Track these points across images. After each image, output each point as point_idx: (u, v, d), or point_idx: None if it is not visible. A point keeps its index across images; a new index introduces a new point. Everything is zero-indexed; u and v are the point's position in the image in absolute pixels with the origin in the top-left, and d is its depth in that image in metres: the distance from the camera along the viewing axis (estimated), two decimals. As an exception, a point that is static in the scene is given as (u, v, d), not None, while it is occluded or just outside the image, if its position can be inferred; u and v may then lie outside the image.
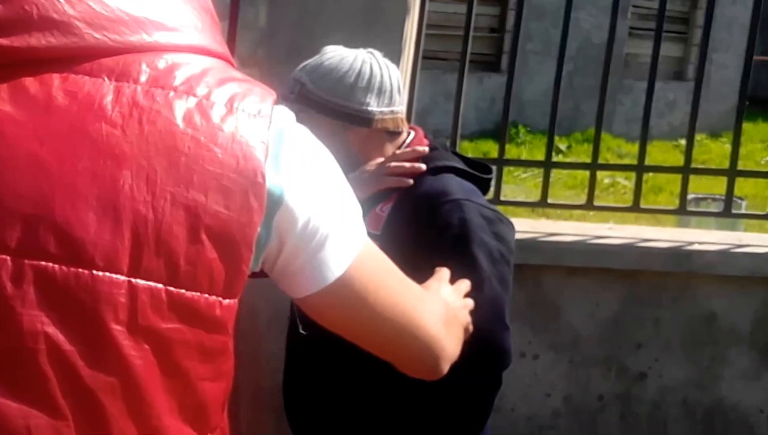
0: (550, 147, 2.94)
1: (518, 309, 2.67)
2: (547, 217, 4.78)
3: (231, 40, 2.51)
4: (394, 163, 1.68)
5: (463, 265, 1.52)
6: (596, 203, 2.89)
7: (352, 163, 1.66)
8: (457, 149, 2.39)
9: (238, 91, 0.77)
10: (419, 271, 1.48)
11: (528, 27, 10.71)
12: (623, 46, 11.77)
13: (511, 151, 9.64)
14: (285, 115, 0.82)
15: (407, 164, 1.68)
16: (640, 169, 2.88)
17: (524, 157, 8.77)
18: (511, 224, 1.71)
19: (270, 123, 0.77)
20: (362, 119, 1.66)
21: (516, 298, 2.67)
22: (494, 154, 9.41)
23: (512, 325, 1.52)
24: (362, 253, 0.85)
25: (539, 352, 2.74)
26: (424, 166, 1.68)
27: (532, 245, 2.65)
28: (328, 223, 0.80)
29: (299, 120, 1.55)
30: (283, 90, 1.63)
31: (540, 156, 8.80)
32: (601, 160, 3.08)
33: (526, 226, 2.81)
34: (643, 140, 2.83)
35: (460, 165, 1.74)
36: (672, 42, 11.96)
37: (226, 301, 0.74)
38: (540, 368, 2.74)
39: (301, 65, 1.70)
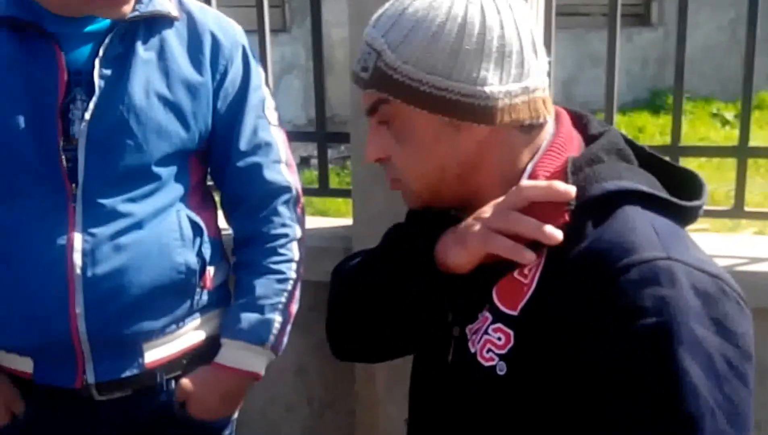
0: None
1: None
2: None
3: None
4: (512, 216, 1.01)
5: (662, 385, 0.93)
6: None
7: (469, 189, 1.09)
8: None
9: None
10: (589, 397, 0.97)
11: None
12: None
13: (668, 125, 8.48)
14: None
15: (532, 222, 0.99)
16: None
17: (686, 130, 7.58)
18: (743, 301, 0.99)
19: None
20: (478, 109, 1.02)
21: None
22: (651, 130, 8.31)
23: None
24: None
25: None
26: (557, 234, 0.99)
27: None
28: None
29: (383, 115, 1.08)
30: (355, 65, 1.10)
31: (704, 128, 7.66)
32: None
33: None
34: None
35: (646, 186, 1.03)
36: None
37: None
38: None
39: (374, 17, 1.09)
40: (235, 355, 1.56)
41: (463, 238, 1.05)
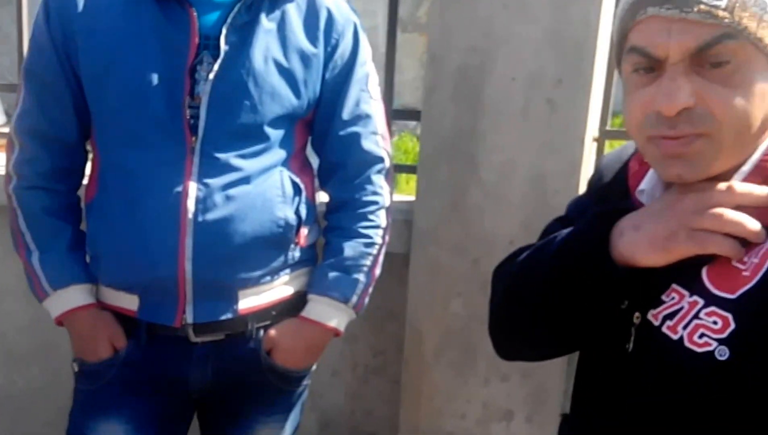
0: None
1: None
2: None
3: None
4: (726, 217, 0.97)
5: None
6: None
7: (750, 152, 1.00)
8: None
9: None
10: None
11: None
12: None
13: None
14: None
15: (746, 224, 0.97)
16: None
17: None
18: None
19: None
20: None
21: None
22: None
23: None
24: None
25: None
26: None
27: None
28: None
29: (721, 54, 0.93)
30: None
31: None
32: None
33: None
34: None
35: None
36: None
37: None
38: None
39: None
40: (320, 310, 1.69)
41: (662, 239, 1.00)
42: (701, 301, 0.99)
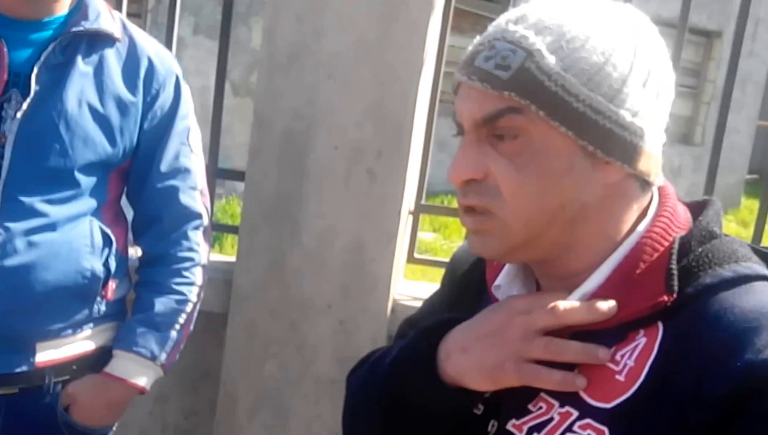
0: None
1: None
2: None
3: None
4: (553, 346, 0.89)
5: None
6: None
7: (567, 241, 0.90)
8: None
9: None
10: None
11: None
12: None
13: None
14: None
15: (579, 351, 0.89)
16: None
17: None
18: None
19: None
20: (629, 145, 0.87)
21: None
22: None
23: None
24: None
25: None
26: (606, 354, 0.88)
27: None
28: None
29: (506, 128, 0.85)
30: (482, 61, 0.86)
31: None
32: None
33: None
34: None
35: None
36: (680, 98, 11.24)
37: None
38: None
39: (513, 15, 0.89)
40: (125, 366, 1.63)
41: (489, 368, 0.90)
42: (575, 413, 0.88)
